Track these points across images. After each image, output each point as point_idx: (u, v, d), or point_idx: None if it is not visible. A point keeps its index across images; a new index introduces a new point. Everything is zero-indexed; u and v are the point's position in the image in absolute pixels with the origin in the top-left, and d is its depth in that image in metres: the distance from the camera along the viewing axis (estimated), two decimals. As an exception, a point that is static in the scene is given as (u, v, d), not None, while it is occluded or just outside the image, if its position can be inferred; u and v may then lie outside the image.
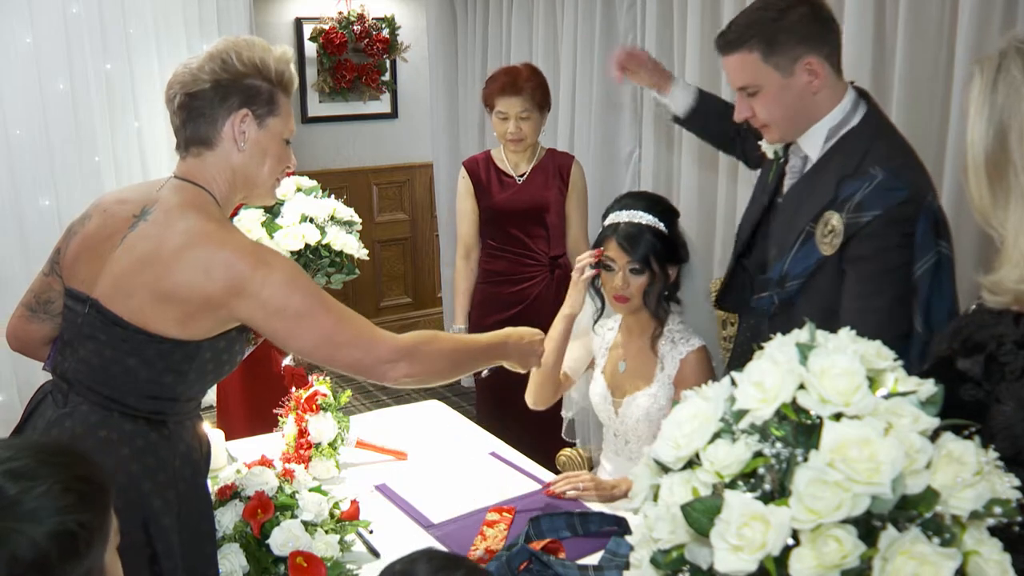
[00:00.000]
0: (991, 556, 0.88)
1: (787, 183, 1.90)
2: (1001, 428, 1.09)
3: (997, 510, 0.90)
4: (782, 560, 0.85)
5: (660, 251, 2.07)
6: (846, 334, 0.99)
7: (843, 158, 1.74)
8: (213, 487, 1.69)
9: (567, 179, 3.09)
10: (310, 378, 2.31)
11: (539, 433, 2.59)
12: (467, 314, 3.16)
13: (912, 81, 2.41)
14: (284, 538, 1.65)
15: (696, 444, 0.94)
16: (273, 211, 2.76)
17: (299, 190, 2.84)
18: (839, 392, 0.91)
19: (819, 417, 0.91)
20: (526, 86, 2.93)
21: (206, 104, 1.54)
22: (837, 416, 0.90)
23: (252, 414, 2.92)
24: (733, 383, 0.99)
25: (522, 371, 1.93)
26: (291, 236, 2.68)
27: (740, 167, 2.87)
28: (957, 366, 1.15)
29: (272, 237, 2.70)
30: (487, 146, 3.81)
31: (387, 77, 5.60)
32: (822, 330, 1.01)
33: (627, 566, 1.07)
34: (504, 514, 1.96)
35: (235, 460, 2.16)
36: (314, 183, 2.90)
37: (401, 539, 1.86)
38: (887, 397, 0.93)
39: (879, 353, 0.97)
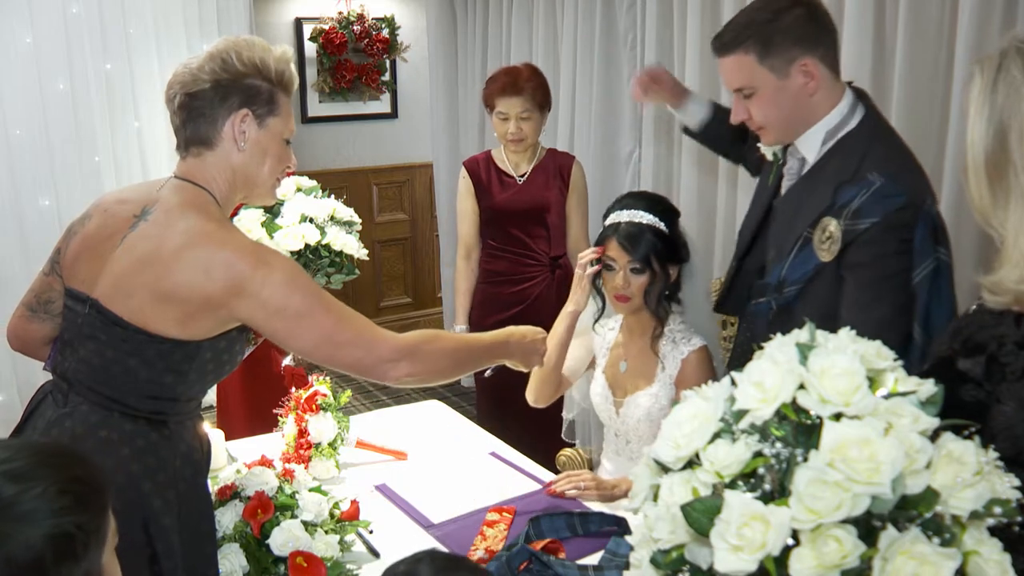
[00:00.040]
0: (991, 556, 0.88)
1: (785, 185, 1.89)
2: (1002, 428, 1.09)
3: (997, 510, 0.90)
4: (782, 560, 0.85)
5: (661, 251, 2.06)
6: (846, 334, 0.99)
7: (840, 162, 1.73)
8: (213, 487, 1.69)
9: (568, 179, 3.08)
10: (310, 378, 2.31)
11: (539, 433, 2.59)
12: (468, 314, 3.16)
13: (912, 81, 2.40)
14: (284, 538, 1.65)
15: (696, 444, 0.94)
16: (273, 211, 2.75)
17: (299, 190, 2.84)
18: (839, 392, 0.91)
19: (819, 417, 0.91)
20: (527, 86, 2.93)
21: (206, 104, 1.54)
22: (837, 416, 0.90)
23: (252, 414, 2.91)
24: (733, 383, 0.99)
25: (525, 370, 1.93)
26: (291, 236, 2.67)
27: (740, 167, 2.86)
28: (958, 366, 1.15)
29: (272, 237, 2.70)
30: (487, 146, 3.81)
31: (387, 77, 5.60)
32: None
33: (627, 566, 1.07)
34: (504, 514, 1.96)
35: (235, 460, 2.16)
36: (314, 183, 2.90)
37: (401, 539, 1.86)
38: (887, 397, 0.93)
39: (879, 353, 0.97)
